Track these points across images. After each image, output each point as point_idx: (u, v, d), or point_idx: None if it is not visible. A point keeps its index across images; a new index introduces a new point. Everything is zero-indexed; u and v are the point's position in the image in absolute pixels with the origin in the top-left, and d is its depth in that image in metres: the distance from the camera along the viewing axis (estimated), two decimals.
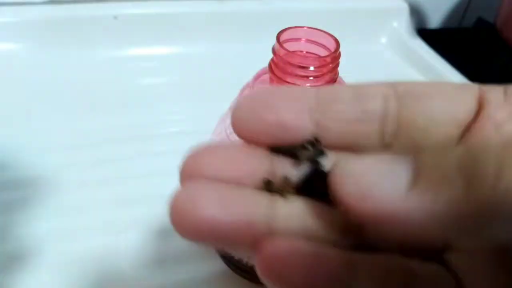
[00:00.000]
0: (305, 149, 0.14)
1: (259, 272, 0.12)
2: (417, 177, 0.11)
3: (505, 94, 0.14)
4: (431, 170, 0.11)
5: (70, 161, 0.32)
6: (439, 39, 0.55)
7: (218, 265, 0.27)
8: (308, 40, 0.28)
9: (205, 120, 0.27)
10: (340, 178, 0.12)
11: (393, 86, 0.14)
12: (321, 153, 0.14)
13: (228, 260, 0.26)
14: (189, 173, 0.14)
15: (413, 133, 0.14)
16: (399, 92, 0.14)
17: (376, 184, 0.12)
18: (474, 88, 0.14)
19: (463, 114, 0.14)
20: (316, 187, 0.14)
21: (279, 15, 0.47)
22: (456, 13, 0.61)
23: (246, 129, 0.14)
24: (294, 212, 0.13)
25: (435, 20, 0.61)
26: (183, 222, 0.13)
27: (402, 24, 0.53)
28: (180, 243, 0.28)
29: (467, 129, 0.14)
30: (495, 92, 0.14)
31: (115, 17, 0.43)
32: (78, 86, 0.40)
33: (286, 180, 0.14)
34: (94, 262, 0.26)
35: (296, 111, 0.14)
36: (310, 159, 0.14)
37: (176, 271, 0.27)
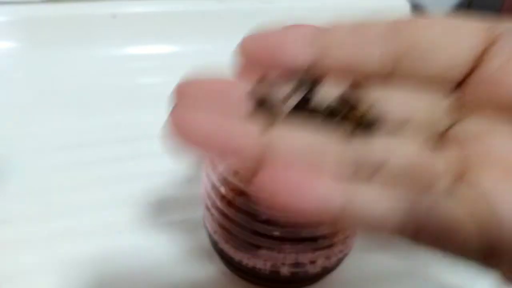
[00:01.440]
0: (300, 78, 0.15)
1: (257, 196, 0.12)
2: None
3: None
4: None
5: (69, 161, 0.32)
6: None
7: (218, 265, 0.27)
8: None
9: None
10: None
11: (395, 21, 0.15)
12: (313, 82, 0.15)
13: (228, 261, 0.26)
14: (181, 95, 0.14)
15: (415, 56, 0.15)
16: (401, 22, 0.15)
17: None
18: (481, 22, 0.15)
19: (470, 41, 0.15)
20: (305, 111, 0.14)
21: (279, 14, 0.47)
22: (456, 14, 0.61)
23: (251, 57, 0.15)
24: (286, 135, 0.13)
25: None
26: (178, 133, 0.13)
27: None
28: (180, 243, 0.28)
29: (480, 57, 0.14)
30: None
31: (114, 16, 0.42)
32: (76, 84, 0.39)
33: (276, 105, 0.14)
34: (92, 263, 0.26)
35: (297, 37, 0.15)
36: (302, 86, 0.15)
37: (176, 271, 0.26)
